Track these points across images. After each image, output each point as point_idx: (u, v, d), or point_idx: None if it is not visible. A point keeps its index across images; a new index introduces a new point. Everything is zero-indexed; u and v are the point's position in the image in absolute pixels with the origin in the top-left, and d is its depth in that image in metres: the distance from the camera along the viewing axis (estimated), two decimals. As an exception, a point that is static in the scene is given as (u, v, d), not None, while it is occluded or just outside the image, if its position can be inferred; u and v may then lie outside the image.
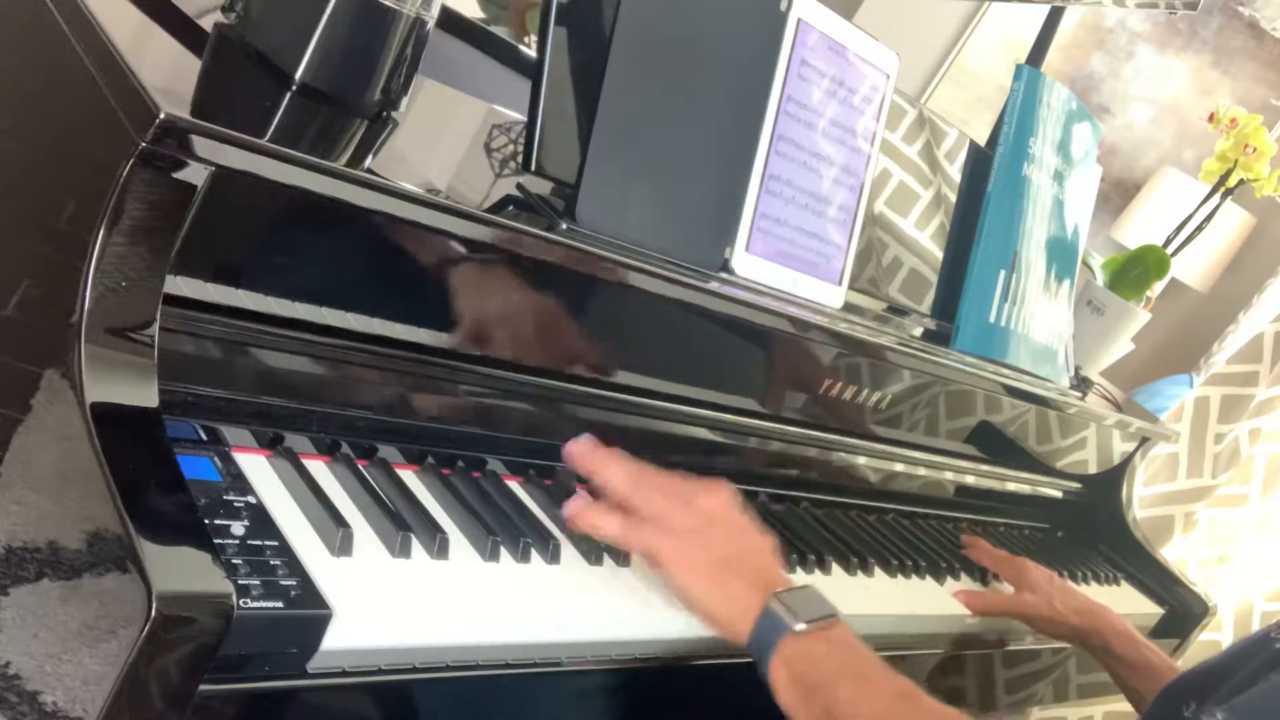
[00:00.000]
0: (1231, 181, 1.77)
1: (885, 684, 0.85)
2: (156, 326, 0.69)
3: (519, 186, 0.95)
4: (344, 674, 0.71)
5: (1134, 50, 3.67)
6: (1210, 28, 3.56)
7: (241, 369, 0.78)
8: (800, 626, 0.85)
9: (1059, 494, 1.69)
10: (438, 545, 0.79)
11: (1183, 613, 1.67)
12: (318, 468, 0.82)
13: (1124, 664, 1.27)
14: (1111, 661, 1.28)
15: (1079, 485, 1.71)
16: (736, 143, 1.05)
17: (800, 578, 1.05)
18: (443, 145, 1.06)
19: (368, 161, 0.84)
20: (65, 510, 0.66)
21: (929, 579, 1.24)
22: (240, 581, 0.65)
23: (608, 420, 1.02)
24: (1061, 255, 1.47)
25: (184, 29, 0.92)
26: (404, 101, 0.92)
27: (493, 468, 0.95)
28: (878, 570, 1.18)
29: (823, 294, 1.14)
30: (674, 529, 0.88)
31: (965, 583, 1.28)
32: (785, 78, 1.07)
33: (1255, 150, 1.72)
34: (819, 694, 0.84)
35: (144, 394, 0.68)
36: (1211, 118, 1.75)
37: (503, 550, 0.84)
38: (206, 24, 0.91)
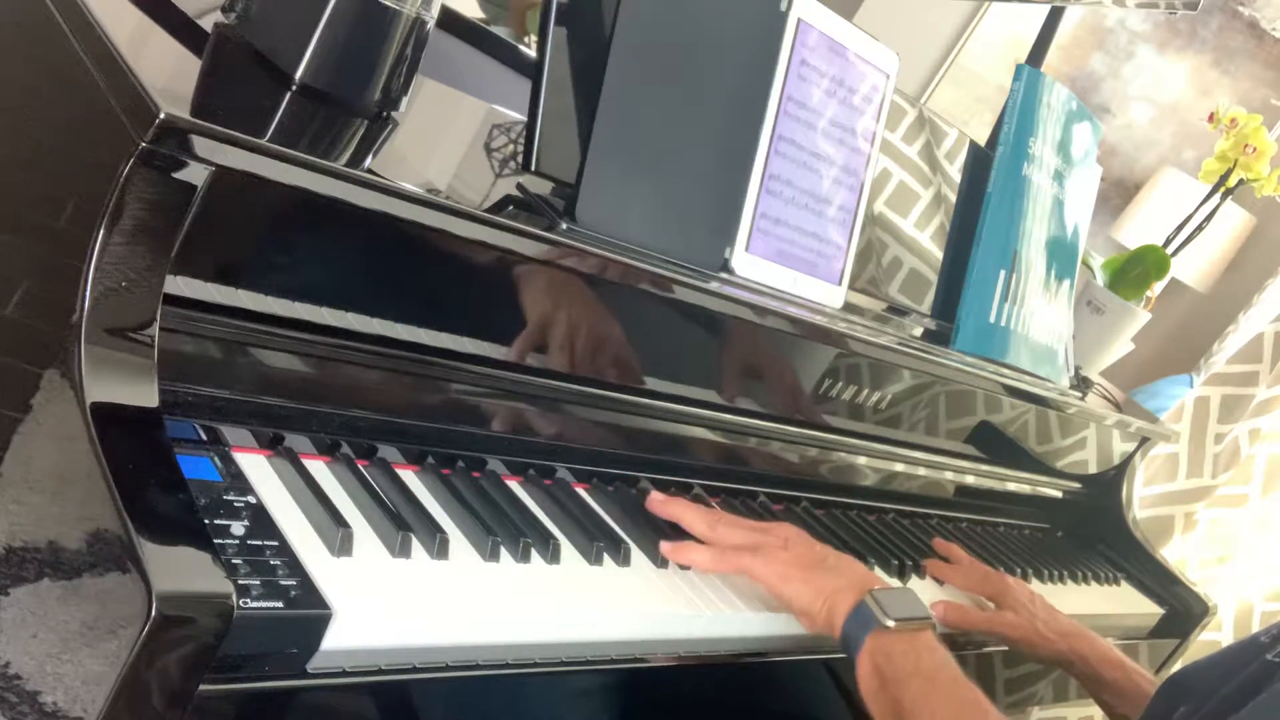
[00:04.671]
0: (1231, 181, 1.77)
1: (955, 690, 0.89)
2: (156, 326, 0.69)
3: (519, 186, 0.95)
4: (344, 674, 0.71)
5: (1134, 50, 3.67)
6: (1210, 28, 3.56)
7: (241, 369, 0.78)
8: (889, 623, 0.91)
9: (1059, 494, 1.69)
10: (438, 545, 0.79)
11: (1183, 613, 1.67)
12: (318, 468, 0.82)
13: (1112, 690, 1.20)
14: (1099, 688, 1.22)
15: (1079, 485, 1.71)
16: (736, 143, 1.04)
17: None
18: (443, 145, 1.06)
19: (368, 161, 0.84)
20: (65, 510, 0.66)
21: (929, 579, 1.24)
22: (240, 581, 0.65)
23: (608, 420, 1.02)
24: (1061, 255, 1.47)
25: (184, 29, 0.92)
26: (404, 101, 0.92)
27: (493, 468, 0.95)
28: (878, 570, 1.18)
29: (823, 294, 1.14)
30: (760, 549, 0.97)
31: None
32: (785, 78, 1.07)
33: (1255, 150, 1.72)
34: (891, 688, 0.89)
35: (144, 394, 0.68)
36: (1211, 118, 1.75)
37: (503, 550, 0.84)
38: (206, 24, 0.91)
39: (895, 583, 1.18)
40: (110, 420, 0.65)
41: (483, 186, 0.96)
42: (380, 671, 0.73)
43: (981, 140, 1.43)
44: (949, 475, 1.45)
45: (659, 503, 1.01)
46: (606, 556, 0.92)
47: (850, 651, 0.92)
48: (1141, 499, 2.17)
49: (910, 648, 0.91)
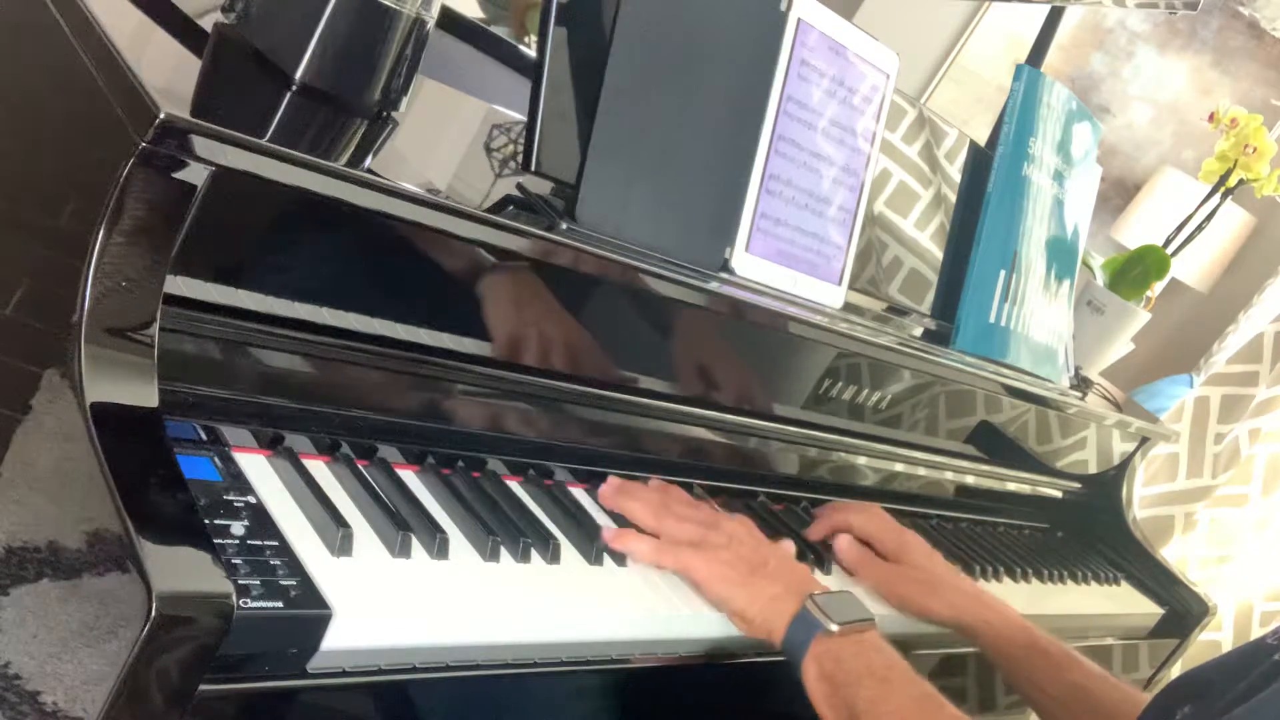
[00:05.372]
0: (1231, 181, 1.77)
1: (908, 687, 0.88)
2: (156, 326, 0.69)
3: (519, 186, 0.95)
4: (344, 674, 0.71)
5: (1134, 50, 3.67)
6: (1210, 28, 3.56)
7: (241, 369, 0.78)
8: (834, 627, 0.90)
9: (1059, 494, 1.69)
10: (438, 545, 0.79)
11: (1183, 613, 1.67)
12: (318, 468, 0.82)
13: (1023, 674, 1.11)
14: (1019, 681, 1.12)
15: (1079, 485, 1.71)
16: (736, 143, 1.04)
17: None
18: (443, 145, 1.06)
19: (368, 161, 0.84)
20: (65, 510, 0.66)
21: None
22: (240, 581, 0.65)
23: (608, 420, 1.02)
24: (1061, 255, 1.47)
25: (184, 29, 0.92)
26: (404, 101, 0.92)
27: (493, 468, 0.95)
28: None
29: (823, 294, 1.14)
30: (702, 546, 0.94)
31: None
32: (785, 78, 1.07)
33: (1255, 150, 1.72)
34: (844, 691, 0.88)
35: (144, 394, 0.68)
36: (1211, 118, 1.75)
37: (503, 550, 0.84)
38: (206, 24, 0.91)
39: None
40: (110, 420, 0.65)
41: (483, 186, 0.96)
42: (380, 671, 0.73)
43: (981, 140, 1.43)
44: (949, 475, 1.45)
45: (605, 495, 0.98)
46: (606, 556, 0.92)
47: (794, 658, 0.91)
48: (1141, 499, 2.17)
49: (859, 649, 0.90)
